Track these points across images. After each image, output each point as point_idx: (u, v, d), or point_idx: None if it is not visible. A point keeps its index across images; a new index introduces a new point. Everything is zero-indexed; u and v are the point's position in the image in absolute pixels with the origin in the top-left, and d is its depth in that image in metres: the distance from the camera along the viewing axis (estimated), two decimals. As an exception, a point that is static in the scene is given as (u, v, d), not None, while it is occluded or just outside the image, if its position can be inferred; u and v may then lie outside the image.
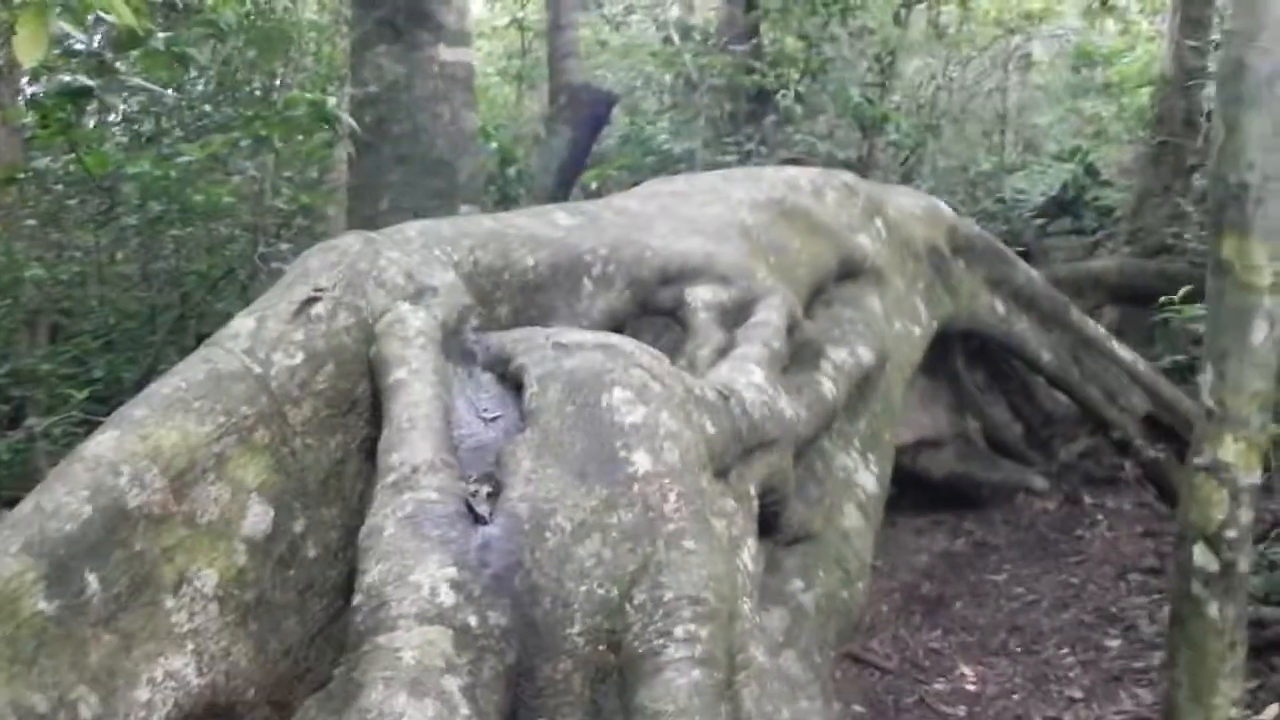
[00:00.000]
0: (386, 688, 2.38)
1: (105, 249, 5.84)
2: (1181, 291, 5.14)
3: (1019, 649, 5.99)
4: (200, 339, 6.04)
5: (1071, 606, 6.36)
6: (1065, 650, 5.93)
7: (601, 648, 2.72)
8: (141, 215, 5.09)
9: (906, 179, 8.91)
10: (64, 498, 2.80)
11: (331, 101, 4.99)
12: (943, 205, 6.77)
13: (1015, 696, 5.59)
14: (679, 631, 2.68)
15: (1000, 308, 6.95)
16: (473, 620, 2.57)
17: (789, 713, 2.99)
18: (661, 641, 2.66)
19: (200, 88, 5.22)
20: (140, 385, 5.62)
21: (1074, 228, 9.00)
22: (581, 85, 8.36)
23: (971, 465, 7.49)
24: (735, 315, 4.39)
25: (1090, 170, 8.86)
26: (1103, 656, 5.83)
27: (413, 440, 2.99)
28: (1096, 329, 7.15)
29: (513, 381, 3.34)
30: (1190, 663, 3.62)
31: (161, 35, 4.43)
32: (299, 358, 3.29)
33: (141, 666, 2.87)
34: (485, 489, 2.94)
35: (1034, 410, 7.90)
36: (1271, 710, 5.11)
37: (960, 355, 7.48)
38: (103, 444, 2.92)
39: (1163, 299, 5.46)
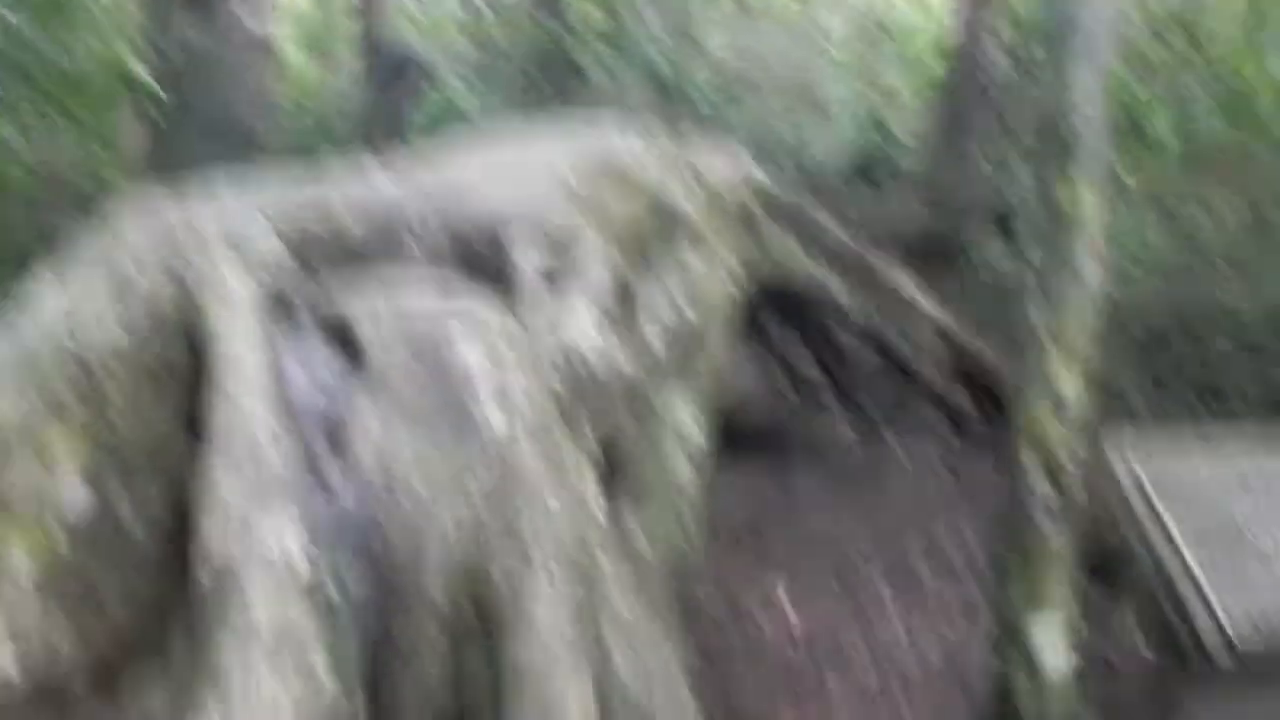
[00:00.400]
0: (246, 668, 2.19)
1: None
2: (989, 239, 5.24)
3: (841, 590, 6.06)
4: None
5: (886, 547, 6.46)
6: (886, 588, 6.03)
7: (464, 608, 2.59)
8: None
9: (711, 146, 8.92)
10: None
11: (134, 67, 4.62)
12: (752, 165, 6.77)
13: (842, 636, 5.66)
14: (545, 588, 2.56)
15: (809, 264, 7.00)
16: (331, 590, 2.40)
17: (653, 662, 2.91)
18: (527, 598, 2.54)
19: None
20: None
21: (871, 189, 9.18)
22: (385, 44, 8.03)
23: (782, 418, 7.53)
24: (561, 274, 4.27)
25: (886, 135, 9.05)
26: (921, 592, 5.95)
27: (246, 407, 2.79)
28: (900, 282, 7.28)
29: (346, 342, 3.15)
30: (1027, 588, 3.69)
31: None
32: (114, 328, 3.03)
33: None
34: (328, 454, 2.75)
35: (839, 364, 7.99)
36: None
37: (768, 311, 7.50)
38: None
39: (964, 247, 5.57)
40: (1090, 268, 3.63)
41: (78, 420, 2.91)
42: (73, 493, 2.86)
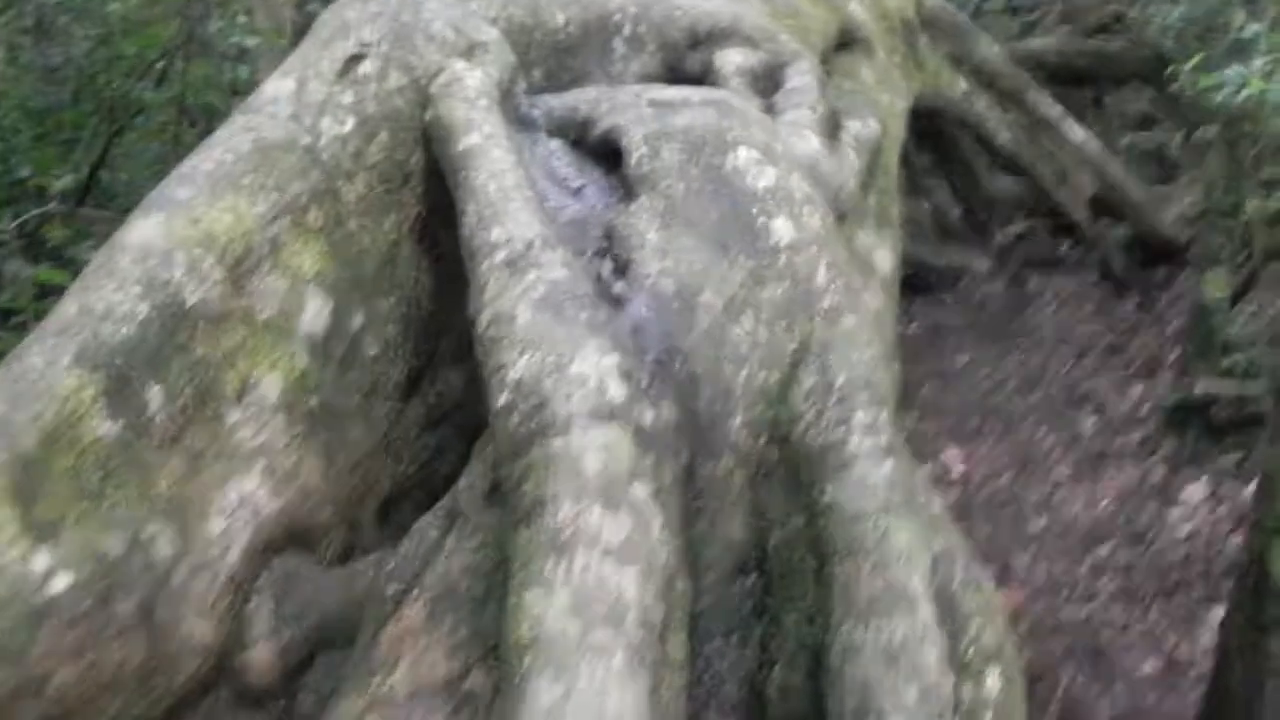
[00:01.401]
0: (576, 501, 1.93)
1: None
2: (1194, 60, 4.77)
3: (997, 430, 5.81)
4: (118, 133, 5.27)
5: (1038, 387, 6.18)
6: (1043, 431, 5.77)
7: (763, 441, 2.31)
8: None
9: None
10: (114, 295, 2.24)
11: None
12: (911, -23, 6.26)
13: (1003, 478, 5.42)
14: (859, 418, 2.27)
15: (962, 84, 6.56)
16: (647, 416, 2.12)
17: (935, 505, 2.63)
18: (843, 431, 2.25)
19: None
20: (87, 186, 4.90)
21: (1011, 5, 8.63)
22: None
23: (920, 248, 7.17)
24: (765, 81, 3.90)
25: (1027, -55, 8.44)
26: (1080, 436, 5.68)
27: (513, 213, 2.48)
28: (1051, 108, 6.82)
29: (597, 146, 2.83)
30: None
31: None
32: (349, 124, 2.71)
33: (213, 492, 2.37)
34: (607, 265, 2.45)
35: (975, 192, 7.60)
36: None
37: (911, 133, 7.08)
38: (148, 230, 2.34)
39: (1171, 68, 5.11)
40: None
41: (315, 225, 2.62)
42: (314, 305, 2.59)
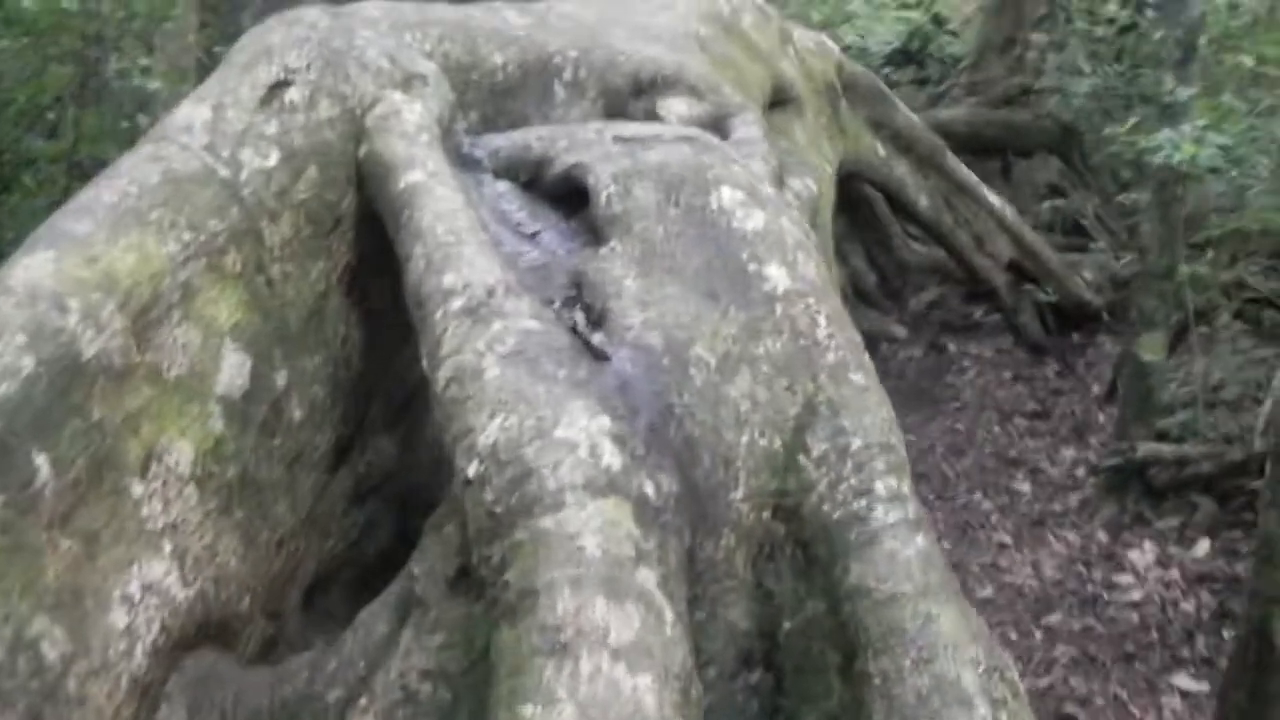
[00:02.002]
0: (575, 592, 1.54)
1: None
2: (1129, 124, 4.64)
3: (932, 496, 5.54)
4: (5, 189, 4.79)
5: (968, 452, 5.95)
6: (978, 495, 5.52)
7: (766, 515, 1.96)
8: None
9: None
10: (-8, 345, 1.81)
11: None
12: (829, 40, 6.09)
13: (944, 544, 5.14)
14: (881, 487, 1.94)
15: (881, 150, 6.38)
16: (648, 489, 1.75)
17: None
18: (864, 502, 1.91)
19: None
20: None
21: (919, 77, 8.54)
22: None
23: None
24: (710, 132, 3.60)
25: (937, 20, 8.35)
26: (1018, 501, 5.44)
27: (468, 256, 2.10)
28: (969, 175, 6.68)
29: (554, 187, 2.48)
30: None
31: None
32: (274, 157, 2.32)
33: (112, 580, 1.93)
34: (580, 316, 2.08)
35: (889, 259, 7.42)
36: (1203, 545, 4.85)
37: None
38: (36, 270, 1.91)
39: (1107, 132, 4.98)
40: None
41: (233, 270, 2.21)
42: (232, 362, 2.18)
